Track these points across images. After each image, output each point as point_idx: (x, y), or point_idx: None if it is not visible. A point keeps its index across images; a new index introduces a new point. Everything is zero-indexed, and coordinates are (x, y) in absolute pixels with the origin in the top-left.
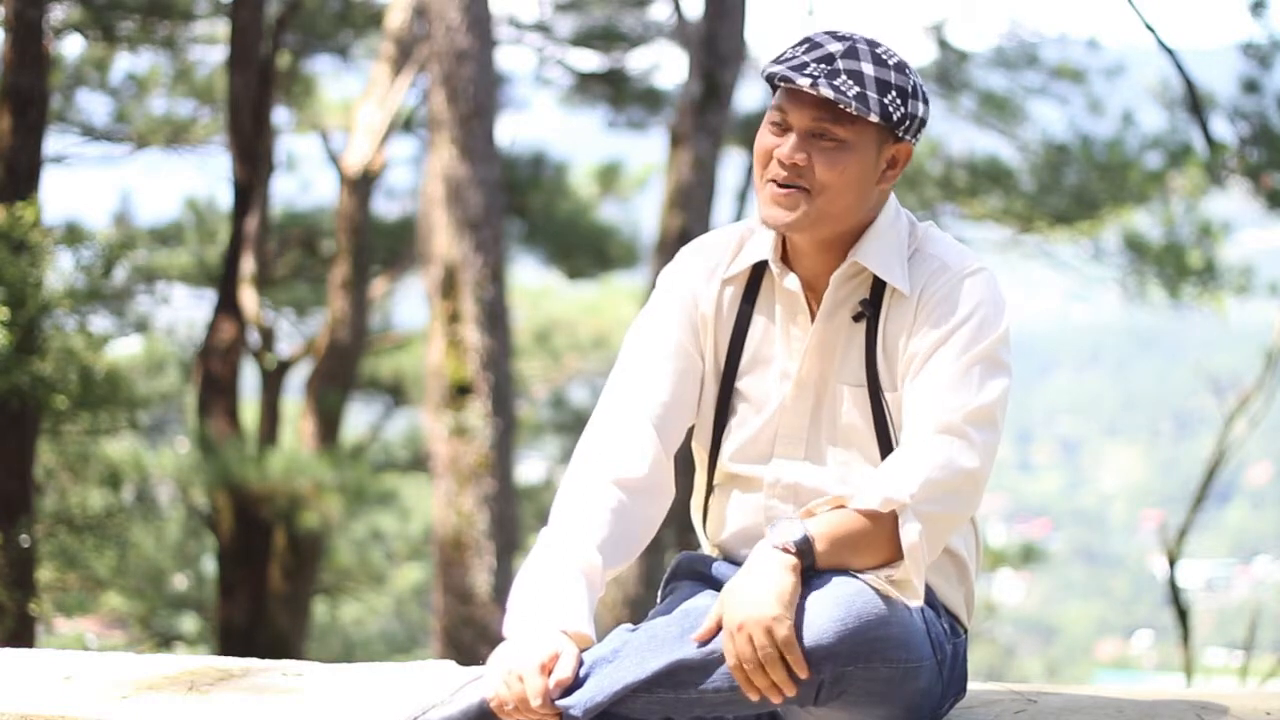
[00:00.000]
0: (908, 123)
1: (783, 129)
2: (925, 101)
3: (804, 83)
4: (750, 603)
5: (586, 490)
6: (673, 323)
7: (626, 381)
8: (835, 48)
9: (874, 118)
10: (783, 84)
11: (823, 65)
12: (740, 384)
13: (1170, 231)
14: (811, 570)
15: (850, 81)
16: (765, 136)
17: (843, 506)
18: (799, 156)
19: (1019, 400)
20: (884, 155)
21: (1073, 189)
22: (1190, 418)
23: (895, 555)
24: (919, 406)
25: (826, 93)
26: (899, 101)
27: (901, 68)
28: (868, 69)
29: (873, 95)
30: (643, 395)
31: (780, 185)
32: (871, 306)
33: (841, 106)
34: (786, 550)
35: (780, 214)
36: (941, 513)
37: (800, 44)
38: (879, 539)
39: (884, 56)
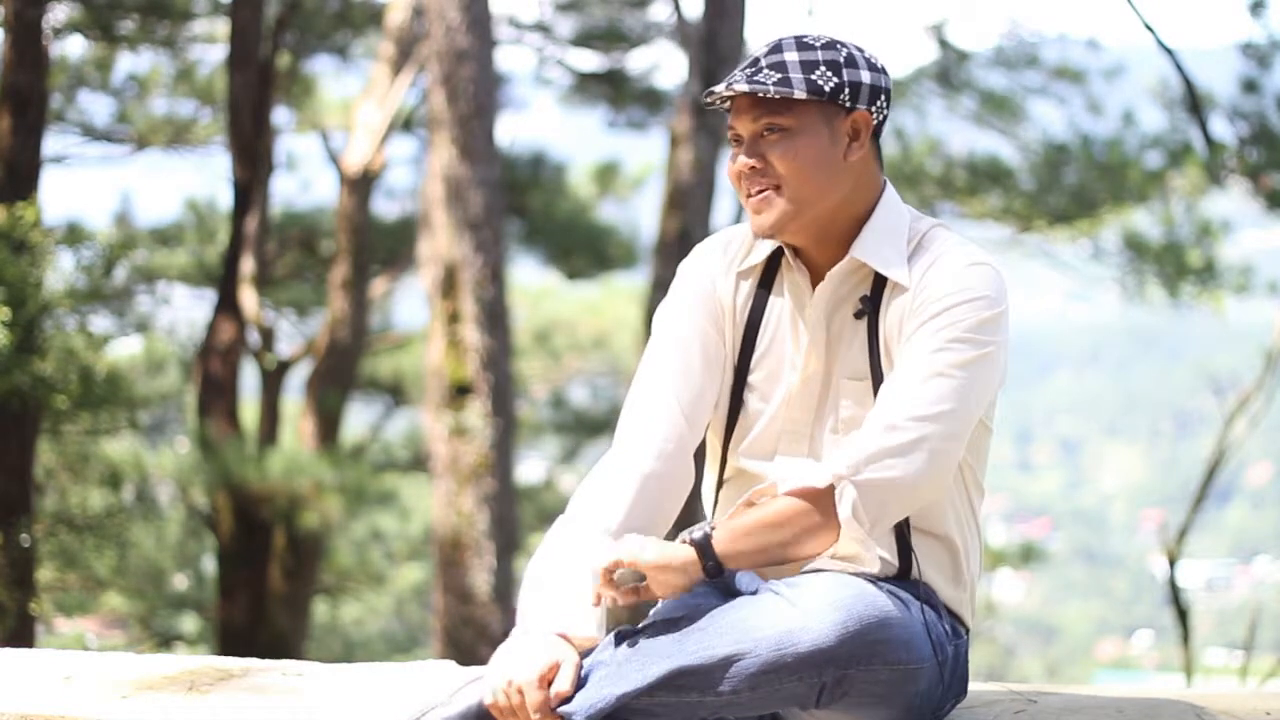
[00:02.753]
0: (847, 90)
1: (739, 145)
2: (871, 68)
3: (720, 88)
4: None
5: (609, 482)
6: (696, 310)
7: (656, 372)
8: (761, 51)
9: (800, 94)
10: (709, 99)
11: (746, 69)
12: (753, 377)
13: (1170, 231)
14: (717, 570)
15: (770, 71)
16: (730, 161)
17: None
18: (754, 160)
19: (1019, 400)
20: (839, 130)
21: (1072, 188)
22: (1190, 418)
23: (833, 538)
24: (885, 386)
25: (742, 88)
26: (828, 74)
27: (830, 45)
28: (790, 56)
29: (796, 76)
30: (674, 386)
31: (753, 195)
32: (872, 303)
33: (760, 94)
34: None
35: (762, 219)
36: (883, 478)
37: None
38: (810, 519)
39: (809, 42)
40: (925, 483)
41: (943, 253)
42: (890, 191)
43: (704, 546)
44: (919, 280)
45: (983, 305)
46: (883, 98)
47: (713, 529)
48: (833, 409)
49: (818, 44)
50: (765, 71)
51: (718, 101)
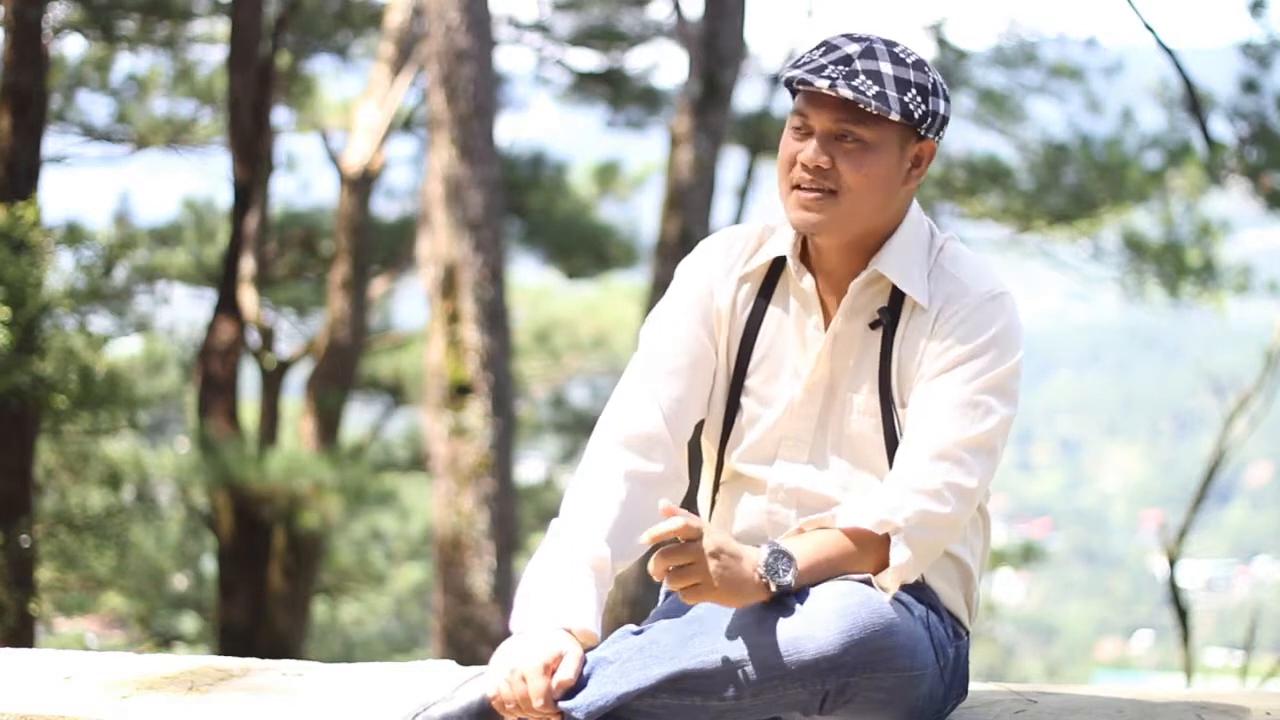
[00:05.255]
0: (929, 120)
1: (804, 133)
2: (946, 99)
3: (822, 85)
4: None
5: (599, 484)
6: (689, 315)
7: (641, 374)
8: (853, 49)
9: (895, 116)
10: (802, 87)
11: (840, 66)
12: (750, 382)
13: (1169, 231)
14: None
15: (869, 81)
16: (788, 142)
17: (825, 527)
18: (822, 159)
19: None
20: (908, 154)
21: (1072, 188)
22: (1190, 418)
23: (875, 571)
24: (921, 428)
25: (845, 93)
26: (919, 99)
27: (920, 65)
28: (886, 68)
29: (892, 94)
30: (656, 389)
31: (806, 189)
32: (890, 315)
33: (862, 106)
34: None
35: (809, 217)
36: (931, 541)
37: (817, 47)
38: (862, 558)
39: (902, 55)
40: (955, 541)
41: (963, 278)
42: (915, 206)
43: (785, 588)
44: (940, 307)
45: (1009, 351)
46: (946, 128)
47: (793, 575)
48: (837, 420)
49: (909, 61)
50: (862, 79)
51: (799, 86)
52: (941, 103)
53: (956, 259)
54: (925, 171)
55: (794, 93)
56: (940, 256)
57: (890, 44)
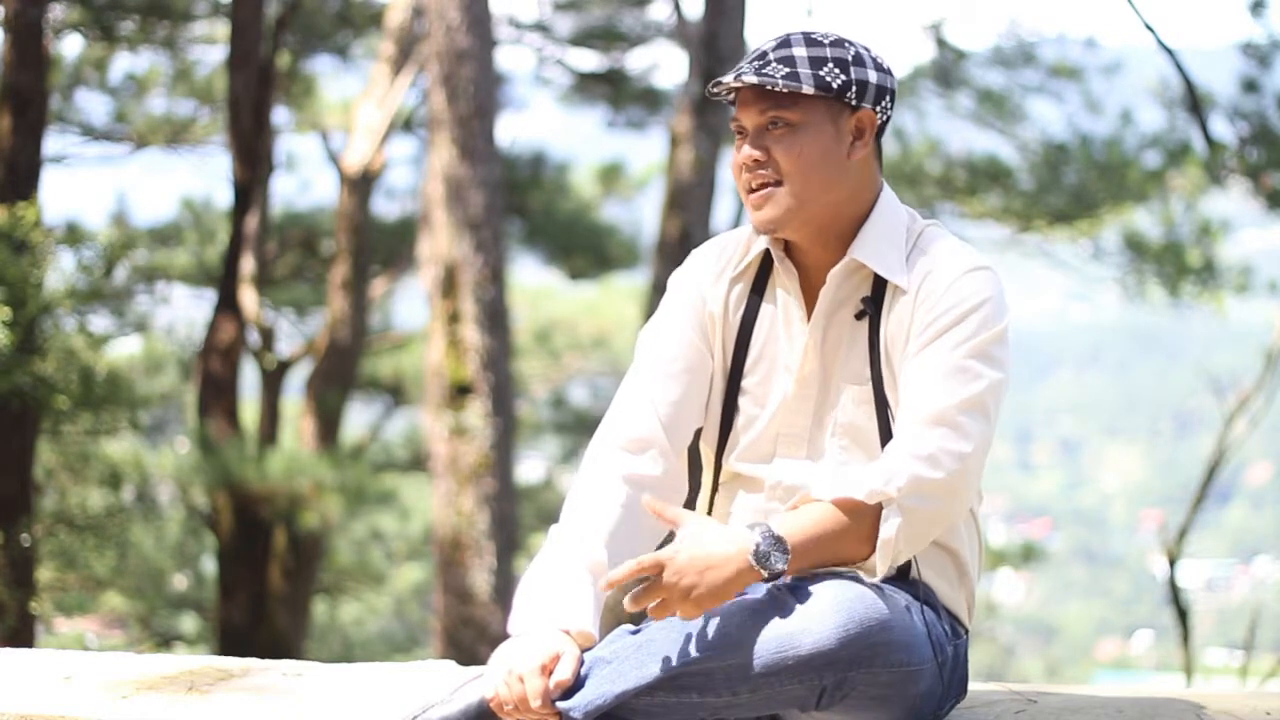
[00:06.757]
0: (854, 89)
1: (743, 137)
2: (878, 68)
3: (728, 79)
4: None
5: (597, 488)
6: (682, 323)
7: (638, 381)
8: (769, 45)
9: (808, 89)
10: (716, 89)
11: (754, 62)
12: (746, 382)
13: (1170, 231)
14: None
15: (779, 65)
16: (734, 152)
17: (816, 500)
18: (756, 153)
19: (1019, 400)
20: (844, 127)
21: (1072, 188)
22: (1190, 418)
23: (869, 551)
24: (911, 398)
25: (751, 80)
26: (837, 71)
27: (839, 43)
28: (799, 51)
29: (805, 71)
30: (653, 395)
31: (755, 190)
32: (873, 304)
33: (769, 87)
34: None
35: (763, 214)
36: (926, 509)
37: (746, 57)
38: (856, 531)
39: (817, 38)
40: (957, 513)
41: (941, 257)
42: (888, 192)
43: (777, 575)
44: (919, 286)
45: (993, 318)
46: (888, 98)
47: (785, 565)
48: (831, 412)
49: (826, 41)
50: (774, 65)
51: (724, 93)
52: (870, 72)
53: (934, 240)
54: (870, 142)
55: (731, 105)
56: (919, 240)
57: (808, 32)
